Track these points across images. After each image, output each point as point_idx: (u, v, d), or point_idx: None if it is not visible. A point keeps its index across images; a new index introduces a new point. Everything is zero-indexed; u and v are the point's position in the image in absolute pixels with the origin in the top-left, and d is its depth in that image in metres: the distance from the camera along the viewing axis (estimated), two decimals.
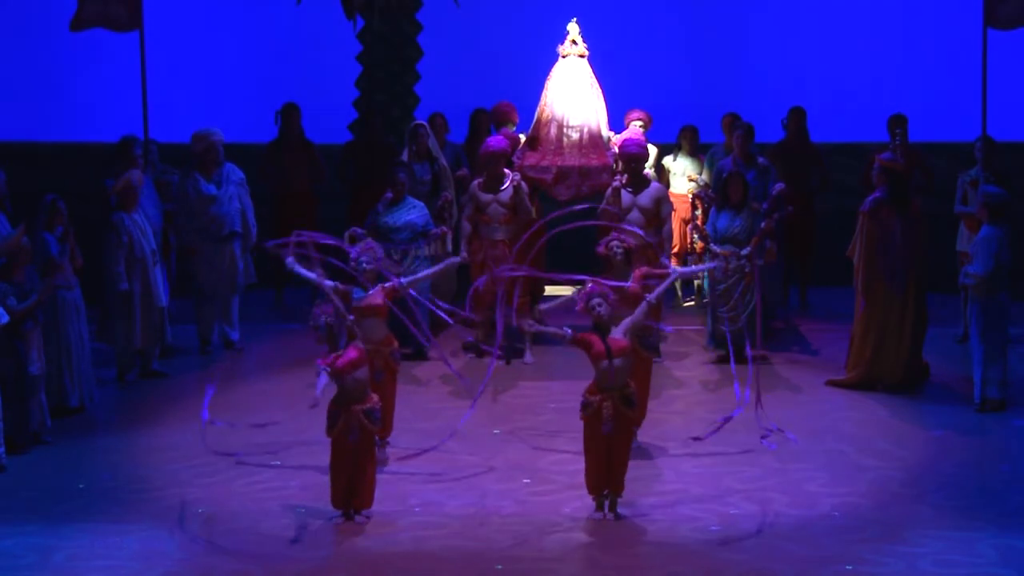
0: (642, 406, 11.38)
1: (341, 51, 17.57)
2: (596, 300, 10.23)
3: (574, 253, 13.10)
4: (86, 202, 14.30)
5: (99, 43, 16.90)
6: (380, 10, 16.84)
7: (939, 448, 11.72)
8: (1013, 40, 15.33)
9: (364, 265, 11.26)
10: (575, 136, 14.28)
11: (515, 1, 20.18)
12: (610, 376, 10.20)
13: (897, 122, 15.10)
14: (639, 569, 9.60)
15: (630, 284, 11.06)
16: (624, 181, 13.76)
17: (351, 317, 10.39)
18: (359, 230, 12.92)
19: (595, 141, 14.28)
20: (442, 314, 11.86)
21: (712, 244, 13.65)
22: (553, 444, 11.77)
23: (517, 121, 15.13)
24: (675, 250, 15.04)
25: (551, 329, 10.40)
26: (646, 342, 11.29)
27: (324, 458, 10.55)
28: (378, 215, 13.95)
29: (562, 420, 12.02)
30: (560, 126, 14.30)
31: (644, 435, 11.67)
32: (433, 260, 13.58)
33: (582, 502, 10.45)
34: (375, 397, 10.41)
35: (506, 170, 14.03)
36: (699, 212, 15.04)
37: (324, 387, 10.01)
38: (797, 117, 15.91)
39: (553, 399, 12.81)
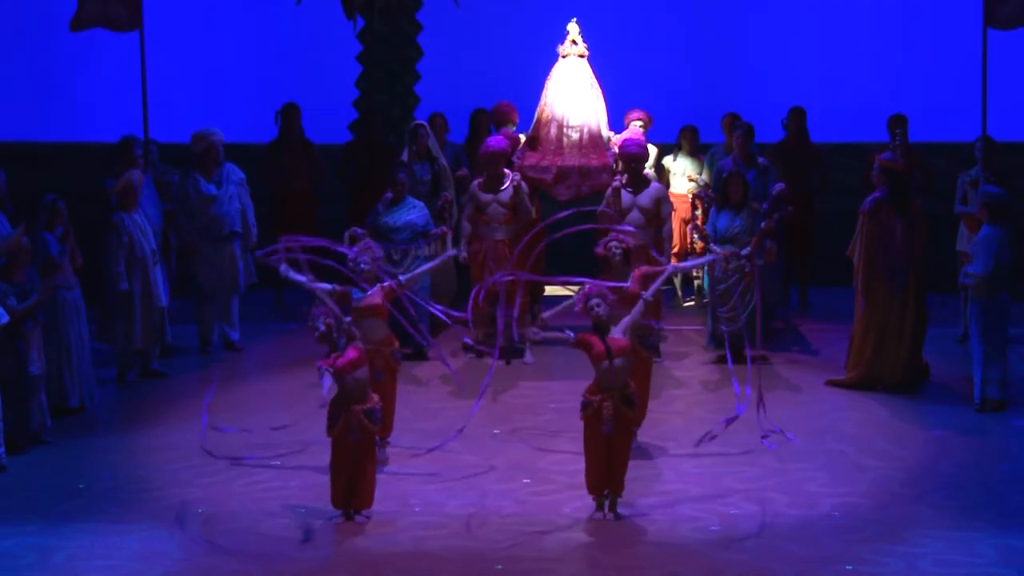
0: (642, 406, 11.38)
1: (341, 51, 17.57)
2: (594, 300, 10.24)
3: (574, 254, 13.11)
4: (86, 202, 14.30)
5: (99, 43, 16.90)
6: (380, 10, 16.84)
7: (939, 448, 11.72)
8: (1013, 40, 15.33)
9: (362, 265, 11.26)
10: (575, 136, 14.28)
11: (515, 1, 20.18)
12: (610, 376, 10.20)
13: (897, 122, 15.10)
14: (639, 569, 9.61)
15: (629, 284, 11.06)
16: (624, 181, 13.76)
17: (348, 319, 10.39)
18: (359, 230, 12.92)
19: (595, 141, 14.28)
20: (439, 314, 11.87)
21: (712, 244, 13.65)
22: (553, 444, 11.77)
23: (517, 121, 15.13)
24: (675, 250, 15.03)
25: (554, 334, 10.39)
26: (646, 342, 11.29)
27: (324, 458, 10.55)
28: (378, 215, 13.95)
29: (562, 420, 12.02)
30: (560, 126, 14.30)
31: (644, 435, 11.67)
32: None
33: (582, 502, 10.45)
34: (375, 397, 10.41)
35: (506, 170, 14.03)
36: (699, 212, 15.04)
37: (331, 387, 10.03)
38: (797, 117, 15.91)
39: (553, 399, 12.81)
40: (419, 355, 13.89)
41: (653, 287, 10.84)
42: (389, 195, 13.99)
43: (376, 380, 10.92)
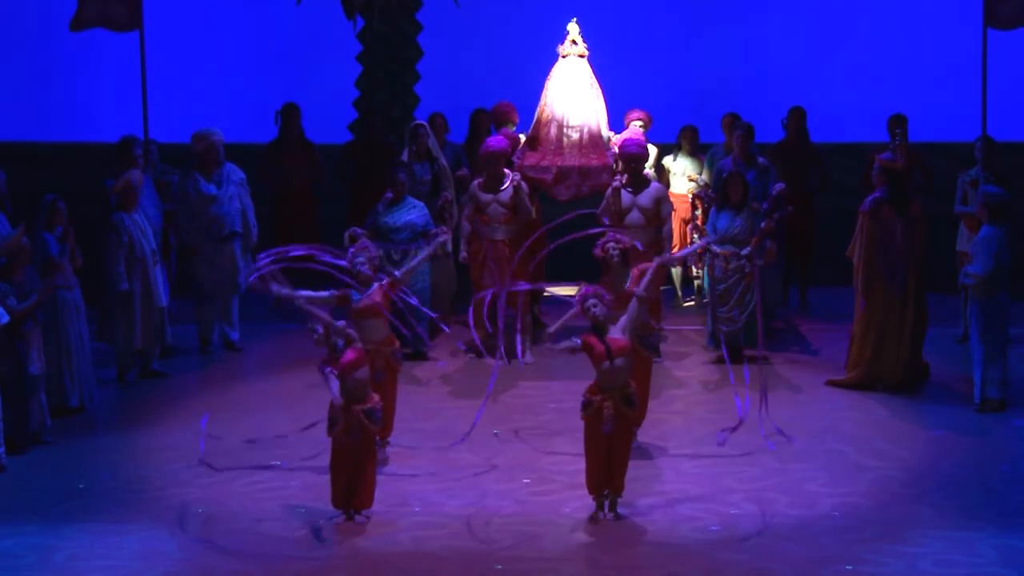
0: (642, 406, 11.38)
1: (341, 51, 17.58)
2: (591, 301, 10.24)
3: (574, 255, 13.09)
4: (86, 202, 14.30)
5: (99, 43, 16.91)
6: (380, 10, 16.84)
7: (939, 448, 11.71)
8: (1013, 40, 15.34)
9: (359, 267, 11.26)
10: (575, 136, 14.28)
11: (515, 1, 20.20)
12: (611, 376, 10.20)
13: (897, 122, 15.10)
14: (639, 569, 9.61)
15: (628, 285, 11.05)
16: (624, 181, 13.75)
17: (341, 323, 10.38)
18: (359, 230, 12.92)
19: (595, 141, 14.27)
20: (438, 322, 11.97)
21: (712, 244, 13.65)
22: (553, 444, 11.77)
23: (517, 121, 15.12)
24: (675, 250, 15.02)
25: (563, 344, 10.35)
26: (646, 342, 11.29)
27: (324, 458, 10.55)
28: (378, 215, 13.95)
29: (562, 420, 12.02)
30: (560, 126, 14.29)
31: (644, 435, 11.67)
32: (433, 260, 13.57)
33: (582, 502, 10.44)
34: (376, 397, 10.41)
35: (506, 170, 14.03)
36: (699, 212, 15.04)
37: (339, 388, 10.07)
38: (797, 117, 15.91)
39: (553, 399, 12.81)
40: (419, 355, 13.89)
41: (643, 281, 10.79)
42: (389, 195, 13.99)
43: (377, 380, 10.92)
